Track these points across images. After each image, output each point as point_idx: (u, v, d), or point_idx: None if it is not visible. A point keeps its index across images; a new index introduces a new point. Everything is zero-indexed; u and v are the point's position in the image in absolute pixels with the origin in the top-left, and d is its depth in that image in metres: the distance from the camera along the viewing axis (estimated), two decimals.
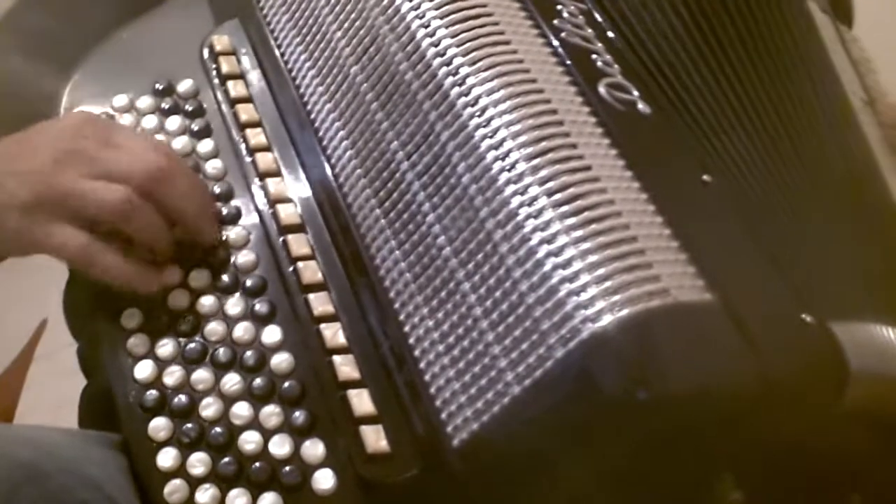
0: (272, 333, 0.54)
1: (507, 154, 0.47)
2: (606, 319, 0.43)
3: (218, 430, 0.51)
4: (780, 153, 0.51)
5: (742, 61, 0.54)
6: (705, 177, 0.49)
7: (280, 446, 0.51)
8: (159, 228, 0.54)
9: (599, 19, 0.54)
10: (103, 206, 0.52)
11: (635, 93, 0.51)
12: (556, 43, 0.52)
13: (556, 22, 0.53)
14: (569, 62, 0.51)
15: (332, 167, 0.55)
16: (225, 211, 0.58)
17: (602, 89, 0.50)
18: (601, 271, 0.44)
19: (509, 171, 0.47)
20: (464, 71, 0.50)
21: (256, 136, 0.59)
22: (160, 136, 0.61)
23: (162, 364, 0.54)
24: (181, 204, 0.54)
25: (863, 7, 0.65)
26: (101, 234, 0.53)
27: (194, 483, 0.50)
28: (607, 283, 0.43)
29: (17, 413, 0.90)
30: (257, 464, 0.50)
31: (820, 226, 0.50)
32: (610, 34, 0.54)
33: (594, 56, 0.52)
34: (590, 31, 0.53)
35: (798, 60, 0.56)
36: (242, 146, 0.59)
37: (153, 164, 0.53)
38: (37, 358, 0.97)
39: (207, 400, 0.52)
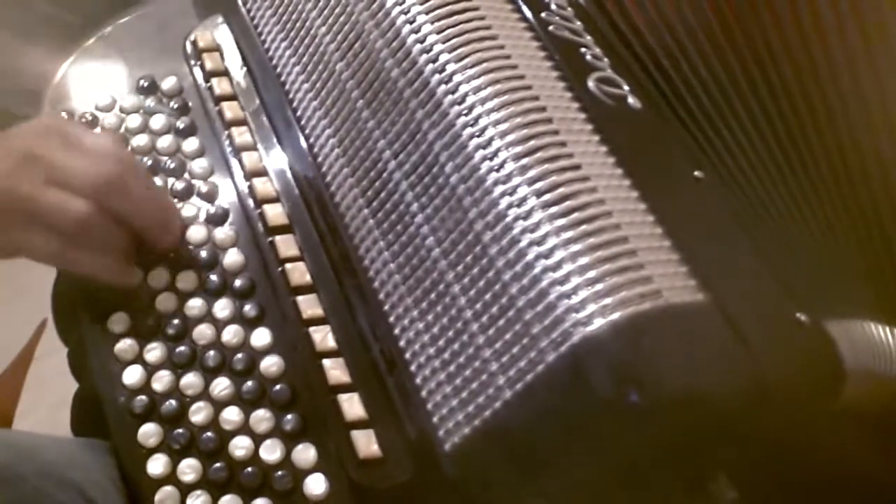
0: (261, 336, 0.53)
1: (495, 153, 0.46)
2: (598, 323, 0.42)
3: (208, 435, 0.51)
4: (778, 148, 0.51)
5: (748, 50, 0.53)
6: (697, 173, 0.48)
7: (271, 451, 0.50)
8: (115, 236, 0.54)
9: (589, 11, 0.53)
10: (62, 217, 0.52)
11: (625, 87, 0.50)
12: (543, 37, 0.51)
13: (543, 15, 0.52)
14: (557, 57, 0.50)
15: (319, 167, 0.55)
16: (211, 211, 0.57)
17: (591, 84, 0.49)
18: (592, 273, 0.43)
19: (498, 170, 0.46)
20: (450, 68, 0.49)
21: (242, 135, 0.58)
22: (145, 136, 0.60)
23: (151, 369, 0.54)
24: (133, 212, 0.54)
25: None
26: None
27: (185, 490, 0.50)
28: (598, 286, 0.42)
29: (17, 413, 0.89)
30: (248, 469, 0.50)
31: (814, 222, 0.49)
32: (600, 26, 0.53)
33: (583, 50, 0.51)
34: (578, 23, 0.52)
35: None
36: (228, 145, 0.58)
37: (105, 174, 0.53)
38: (37, 358, 0.96)
39: (197, 405, 0.52)
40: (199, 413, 0.52)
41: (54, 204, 0.52)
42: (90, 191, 0.52)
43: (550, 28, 0.51)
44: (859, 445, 0.46)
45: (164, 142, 0.60)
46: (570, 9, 0.53)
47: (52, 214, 0.52)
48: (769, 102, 0.52)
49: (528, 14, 0.51)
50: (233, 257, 0.56)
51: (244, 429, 0.51)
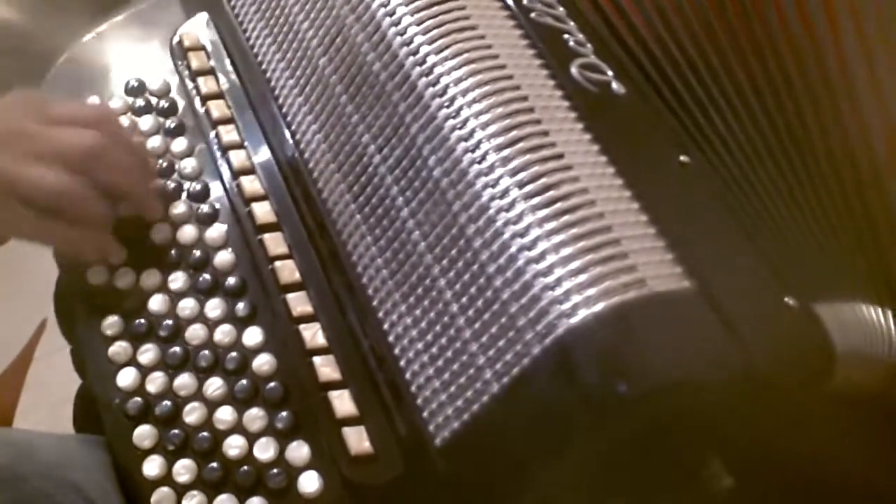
0: (253, 335, 0.53)
1: (477, 145, 0.46)
2: (582, 314, 0.42)
3: (203, 435, 0.51)
4: (769, 128, 0.50)
5: (738, 31, 0.53)
6: (683, 157, 0.47)
7: (265, 450, 0.50)
8: (96, 206, 0.54)
9: None
10: (38, 190, 0.52)
11: (609, 73, 0.49)
12: (526, 24, 0.50)
13: (525, 2, 0.51)
14: (540, 44, 0.49)
15: (306, 163, 0.54)
16: (202, 211, 0.57)
17: (574, 70, 0.49)
18: (575, 264, 0.42)
19: (480, 162, 0.46)
20: (431, 60, 0.48)
21: (229, 133, 0.58)
22: (134, 138, 0.60)
23: (144, 370, 0.54)
24: (116, 182, 0.55)
25: None
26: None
27: (181, 490, 0.50)
28: (582, 277, 0.42)
29: (17, 413, 0.90)
30: (243, 468, 0.50)
31: (801, 205, 0.48)
32: (583, 10, 0.52)
33: (566, 36, 0.50)
34: (561, 9, 0.52)
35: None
36: (215, 144, 0.58)
37: (84, 145, 0.53)
38: (37, 358, 0.97)
39: (191, 405, 0.52)
40: (193, 413, 0.52)
41: (31, 178, 0.52)
42: (70, 163, 0.53)
43: (532, 15, 0.51)
44: (851, 427, 0.45)
45: (153, 142, 0.60)
46: None
47: (29, 188, 0.52)
48: (760, 83, 0.51)
49: (510, 1, 0.51)
50: (224, 256, 0.55)
51: (238, 428, 0.51)
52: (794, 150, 0.49)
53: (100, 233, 0.55)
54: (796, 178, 0.49)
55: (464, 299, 0.46)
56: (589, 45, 0.50)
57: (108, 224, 0.56)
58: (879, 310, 0.46)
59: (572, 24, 0.51)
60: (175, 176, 0.58)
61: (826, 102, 0.49)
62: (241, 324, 0.53)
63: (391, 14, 0.50)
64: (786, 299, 0.43)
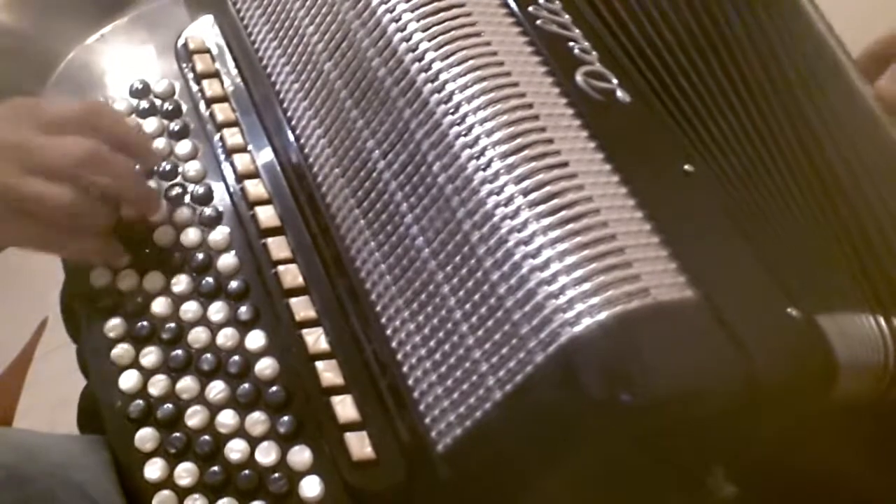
0: (256, 339, 0.53)
1: (481, 152, 0.46)
2: (585, 323, 0.42)
3: (204, 439, 0.51)
4: (770, 140, 0.50)
5: (736, 41, 0.53)
6: (687, 167, 0.47)
7: (266, 454, 0.50)
8: (98, 214, 0.55)
9: (577, 3, 0.53)
10: (42, 206, 0.52)
11: (614, 80, 0.49)
12: (531, 32, 0.50)
13: (531, 9, 0.51)
14: (545, 52, 0.49)
15: (310, 167, 0.54)
16: (205, 214, 0.57)
17: (579, 78, 0.49)
18: (579, 273, 0.42)
19: (484, 169, 0.46)
20: (436, 66, 0.48)
21: (233, 136, 0.58)
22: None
23: (147, 373, 0.54)
24: (115, 186, 0.55)
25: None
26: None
27: (182, 494, 0.50)
28: (586, 286, 0.42)
29: (16, 413, 0.90)
30: (244, 472, 0.50)
31: (803, 216, 0.48)
32: (588, 18, 0.52)
33: (571, 43, 0.50)
34: (567, 16, 0.52)
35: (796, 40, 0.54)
36: (220, 147, 0.58)
37: (82, 153, 0.53)
38: (37, 358, 0.97)
39: (193, 408, 0.52)
40: (195, 417, 0.52)
41: (34, 193, 0.52)
42: (69, 172, 0.53)
43: (538, 22, 0.51)
44: (853, 437, 0.45)
45: (158, 144, 0.60)
46: (557, 2, 0.52)
47: (33, 203, 0.52)
48: (763, 94, 0.51)
49: (515, 8, 0.51)
50: (227, 260, 0.55)
51: (240, 432, 0.51)
52: (793, 159, 0.50)
53: (102, 239, 0.56)
54: (797, 186, 0.49)
55: (467, 306, 0.46)
56: (594, 53, 0.50)
57: (109, 229, 0.56)
58: (876, 316, 0.46)
59: (577, 31, 0.51)
60: (179, 178, 0.58)
61: (829, 118, 0.49)
62: (243, 327, 0.54)
63: (397, 20, 0.50)
64: (788, 310, 0.43)
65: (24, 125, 0.54)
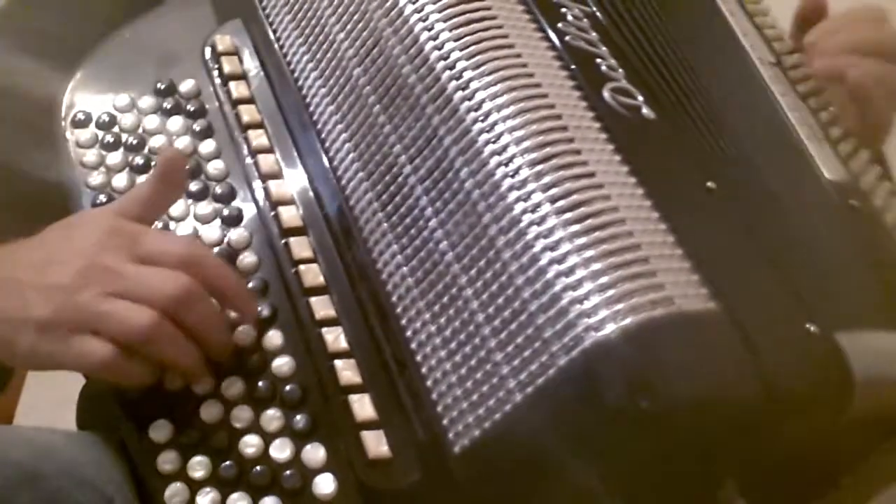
0: (273, 337, 0.53)
1: (510, 159, 0.47)
2: (610, 328, 0.42)
3: (219, 433, 0.51)
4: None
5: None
6: (710, 183, 0.49)
7: (281, 450, 0.50)
8: (184, 348, 0.51)
9: (604, 22, 0.54)
10: (126, 329, 0.50)
11: (640, 98, 0.51)
12: (560, 47, 0.51)
13: (560, 25, 0.52)
14: (573, 66, 0.51)
15: (335, 170, 0.55)
16: (226, 212, 0.58)
17: (607, 94, 0.50)
18: (604, 279, 0.43)
19: (512, 176, 0.47)
20: (467, 75, 0.49)
21: (258, 138, 0.59)
22: (162, 137, 0.61)
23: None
24: (203, 327, 0.52)
25: None
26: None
27: (195, 486, 0.50)
28: (611, 292, 0.43)
29: (16, 413, 0.89)
30: (258, 468, 0.50)
31: (822, 233, 0.49)
32: (614, 37, 0.54)
33: (598, 60, 0.52)
34: (594, 34, 0.53)
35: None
36: (244, 147, 0.59)
37: (175, 292, 0.50)
38: None
39: (208, 403, 0.52)
40: (209, 412, 0.52)
41: (116, 314, 0.49)
42: (158, 305, 0.50)
43: (567, 38, 0.52)
44: (869, 451, 0.46)
45: (181, 143, 0.60)
46: (586, 20, 0.53)
47: (117, 326, 0.49)
48: None
49: (545, 24, 0.52)
50: (247, 258, 0.56)
51: (255, 427, 0.51)
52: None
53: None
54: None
55: (490, 309, 0.46)
56: (621, 71, 0.52)
57: (197, 364, 0.52)
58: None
59: (605, 49, 0.53)
60: (202, 177, 0.59)
61: None
62: (261, 325, 0.54)
63: (429, 29, 0.51)
64: (807, 325, 0.44)
65: (118, 250, 0.51)
